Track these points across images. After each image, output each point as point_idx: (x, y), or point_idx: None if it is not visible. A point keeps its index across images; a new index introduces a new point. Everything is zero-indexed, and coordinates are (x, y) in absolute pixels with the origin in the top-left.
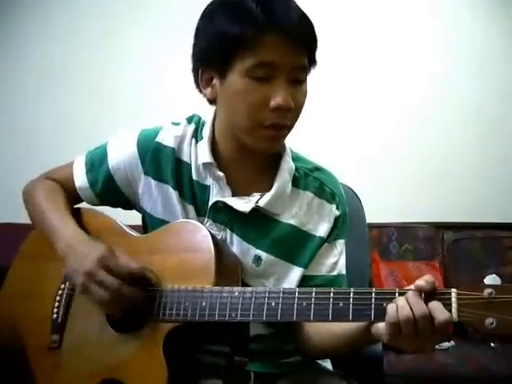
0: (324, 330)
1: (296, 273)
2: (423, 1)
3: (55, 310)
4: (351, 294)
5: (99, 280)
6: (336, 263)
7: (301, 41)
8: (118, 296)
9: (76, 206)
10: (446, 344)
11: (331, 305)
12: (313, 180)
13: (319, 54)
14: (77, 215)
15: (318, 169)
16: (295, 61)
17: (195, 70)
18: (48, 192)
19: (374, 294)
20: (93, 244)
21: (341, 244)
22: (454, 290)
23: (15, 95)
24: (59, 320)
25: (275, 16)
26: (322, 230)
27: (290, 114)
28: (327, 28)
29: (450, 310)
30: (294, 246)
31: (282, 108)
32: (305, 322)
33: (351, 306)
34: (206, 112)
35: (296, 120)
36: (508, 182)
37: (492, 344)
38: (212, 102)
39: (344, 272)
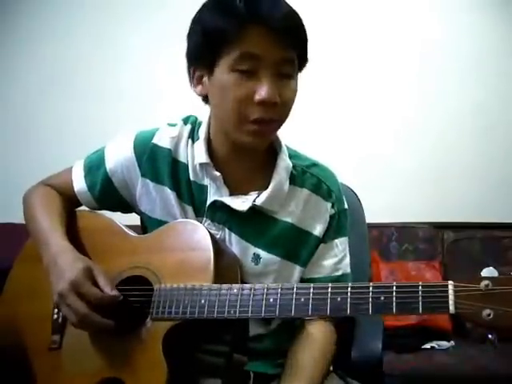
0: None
1: (296, 271)
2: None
3: (55, 310)
4: (349, 289)
5: (68, 304)
6: (338, 263)
7: (285, 34)
8: (84, 321)
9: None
10: (445, 344)
11: (329, 300)
12: (310, 177)
13: (318, 53)
14: (74, 218)
15: (315, 165)
16: (280, 54)
17: (188, 70)
18: (43, 200)
19: (371, 288)
20: (73, 261)
21: (342, 242)
22: (450, 283)
23: (16, 97)
24: (59, 320)
25: (258, 8)
26: (318, 228)
27: (276, 109)
28: (326, 27)
29: (447, 302)
30: (292, 243)
31: (267, 102)
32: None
33: (349, 300)
34: (204, 113)
35: (286, 115)
36: (508, 181)
37: (489, 336)
38: (204, 99)
39: (349, 271)
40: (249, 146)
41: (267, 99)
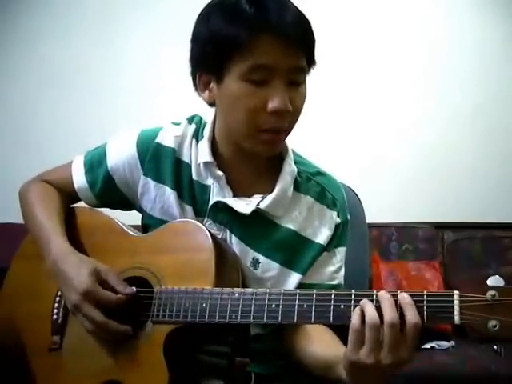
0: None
1: (294, 278)
2: (425, 2)
3: (55, 310)
4: (352, 296)
5: (84, 313)
6: (336, 272)
7: (296, 42)
8: (102, 330)
9: (73, 206)
10: (445, 344)
11: (332, 307)
12: (314, 185)
13: (321, 56)
14: (73, 215)
15: (320, 173)
16: (291, 63)
17: (193, 74)
18: (41, 198)
19: (375, 296)
20: (77, 266)
21: (341, 252)
22: (456, 293)
23: (15, 96)
24: (59, 321)
25: (269, 17)
26: (322, 236)
27: (288, 117)
28: (328, 29)
29: (452, 313)
30: (293, 251)
31: (280, 111)
32: (301, 334)
33: (352, 308)
34: (208, 112)
35: (295, 122)
36: (508, 181)
37: (495, 347)
38: (210, 104)
39: (343, 282)
40: (260, 155)
41: (281, 109)
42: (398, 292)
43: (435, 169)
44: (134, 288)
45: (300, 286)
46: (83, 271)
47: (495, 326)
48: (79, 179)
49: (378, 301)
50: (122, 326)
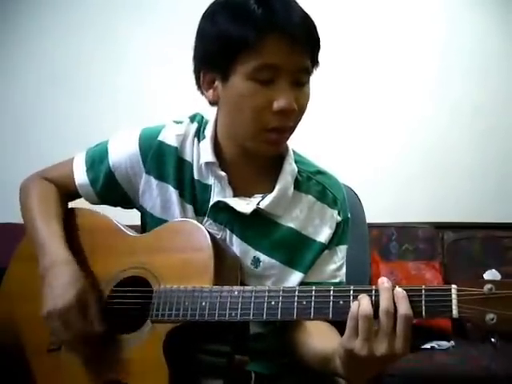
0: (311, 347)
1: (295, 277)
2: (423, 1)
3: None
4: (351, 292)
5: (53, 327)
6: (338, 270)
7: (303, 42)
8: (67, 346)
9: (72, 206)
10: (445, 344)
11: (331, 303)
12: (315, 184)
13: (320, 56)
14: (73, 216)
15: (320, 172)
16: (298, 63)
17: (197, 72)
18: (41, 198)
19: (374, 292)
20: (68, 281)
21: (342, 250)
22: (453, 286)
23: (16, 96)
24: None
25: (276, 17)
26: (323, 235)
27: (292, 116)
28: (328, 30)
29: (450, 306)
30: (294, 249)
31: (286, 111)
32: (301, 330)
33: (351, 303)
34: (209, 111)
35: (298, 122)
36: (508, 181)
37: (492, 339)
38: (213, 103)
39: (345, 280)
40: (263, 154)
41: (287, 108)
42: (395, 287)
43: (435, 169)
44: (104, 328)
45: (301, 284)
46: (70, 291)
47: (493, 319)
48: (80, 176)
49: (376, 296)
50: (86, 349)
